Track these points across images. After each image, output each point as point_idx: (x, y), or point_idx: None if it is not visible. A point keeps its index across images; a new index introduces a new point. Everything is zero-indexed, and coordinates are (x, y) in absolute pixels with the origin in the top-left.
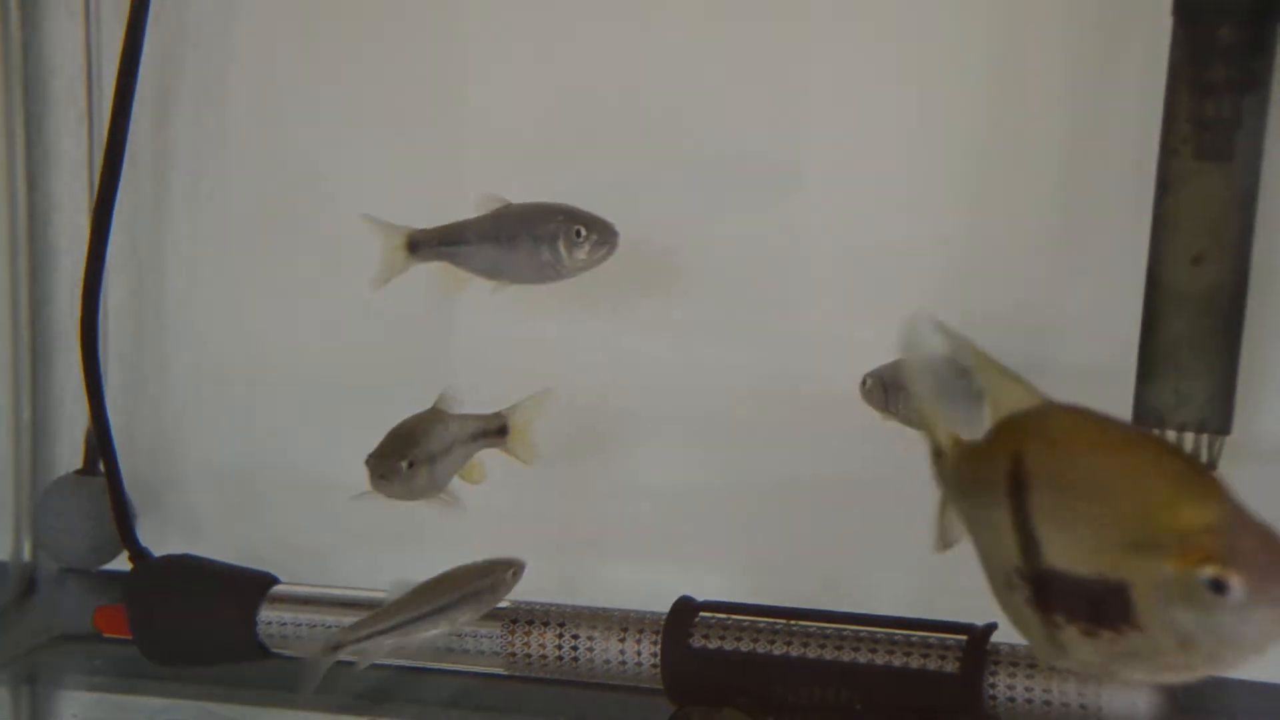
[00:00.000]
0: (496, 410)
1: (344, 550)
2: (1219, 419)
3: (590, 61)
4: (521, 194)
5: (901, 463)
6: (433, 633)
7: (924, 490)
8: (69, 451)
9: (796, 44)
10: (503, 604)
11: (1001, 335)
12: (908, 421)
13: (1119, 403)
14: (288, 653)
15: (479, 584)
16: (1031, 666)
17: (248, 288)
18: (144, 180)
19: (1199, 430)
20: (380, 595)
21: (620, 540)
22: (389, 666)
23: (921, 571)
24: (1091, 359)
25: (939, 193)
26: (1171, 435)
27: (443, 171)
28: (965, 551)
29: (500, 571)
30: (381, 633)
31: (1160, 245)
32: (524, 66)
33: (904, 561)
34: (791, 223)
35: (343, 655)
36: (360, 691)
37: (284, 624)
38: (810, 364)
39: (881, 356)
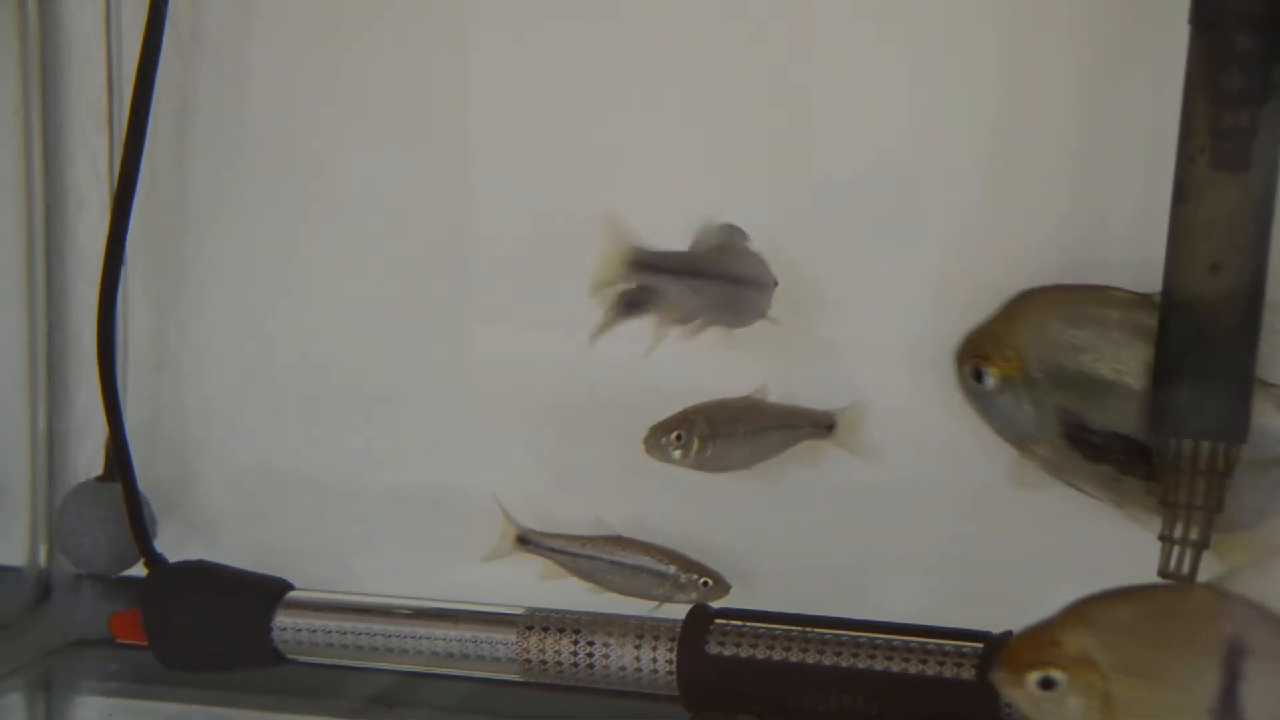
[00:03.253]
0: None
1: (361, 555)
2: (1235, 427)
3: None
4: None
5: None
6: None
7: None
8: (90, 458)
9: None
10: (518, 609)
11: None
12: None
13: None
14: (302, 659)
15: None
16: None
17: (266, 293)
18: (163, 184)
19: (1215, 439)
20: (391, 602)
21: None
22: (401, 672)
23: None
24: None
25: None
26: (1188, 444)
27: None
28: None
29: (694, 574)
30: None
31: (1177, 253)
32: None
33: None
34: None
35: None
36: (373, 696)
37: (299, 630)
38: None
39: None
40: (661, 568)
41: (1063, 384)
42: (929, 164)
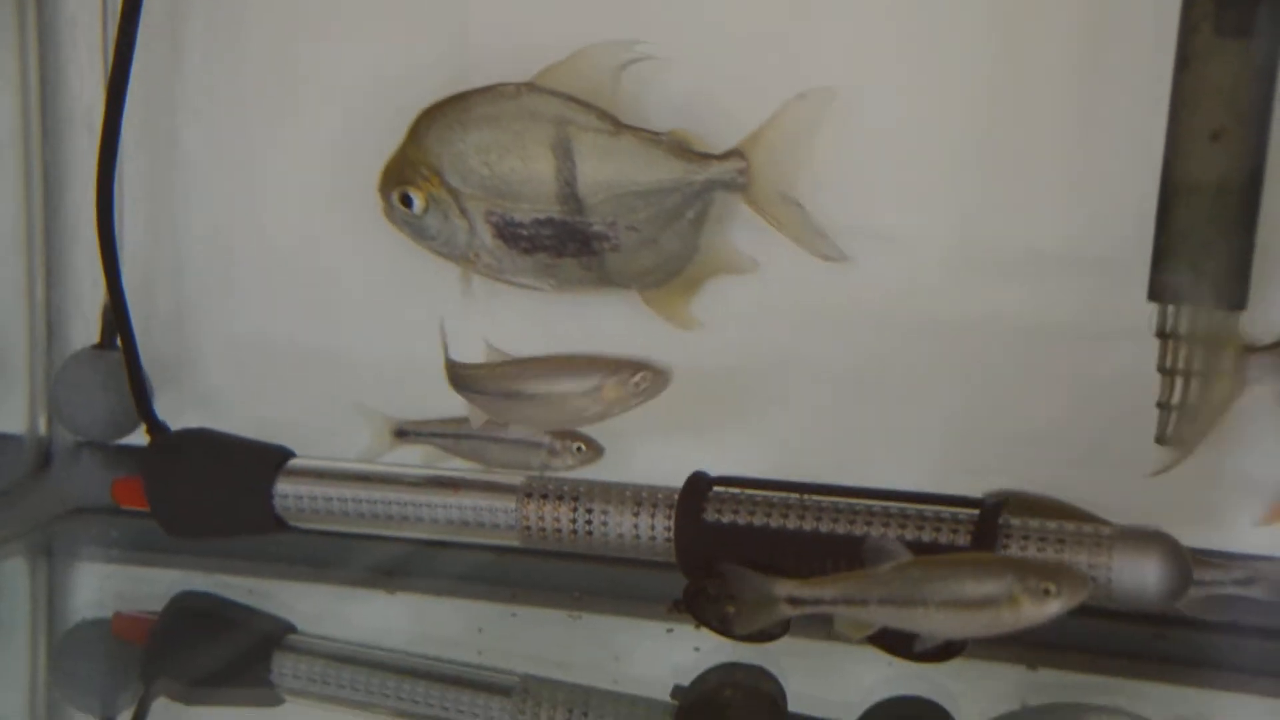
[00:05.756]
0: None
1: (360, 426)
2: (1235, 295)
3: None
4: None
5: None
6: None
7: None
8: (86, 326)
9: None
10: (517, 477)
11: None
12: None
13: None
14: (303, 525)
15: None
16: (1043, 540)
17: (265, 162)
18: (160, 57)
19: (1215, 306)
20: (392, 470)
21: None
22: (402, 540)
23: None
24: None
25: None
26: (1186, 311)
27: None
28: None
29: (567, 440)
30: None
31: (1179, 122)
32: None
33: None
34: None
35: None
36: (375, 565)
37: (300, 497)
38: None
39: None
40: (535, 438)
41: (481, 187)
42: None
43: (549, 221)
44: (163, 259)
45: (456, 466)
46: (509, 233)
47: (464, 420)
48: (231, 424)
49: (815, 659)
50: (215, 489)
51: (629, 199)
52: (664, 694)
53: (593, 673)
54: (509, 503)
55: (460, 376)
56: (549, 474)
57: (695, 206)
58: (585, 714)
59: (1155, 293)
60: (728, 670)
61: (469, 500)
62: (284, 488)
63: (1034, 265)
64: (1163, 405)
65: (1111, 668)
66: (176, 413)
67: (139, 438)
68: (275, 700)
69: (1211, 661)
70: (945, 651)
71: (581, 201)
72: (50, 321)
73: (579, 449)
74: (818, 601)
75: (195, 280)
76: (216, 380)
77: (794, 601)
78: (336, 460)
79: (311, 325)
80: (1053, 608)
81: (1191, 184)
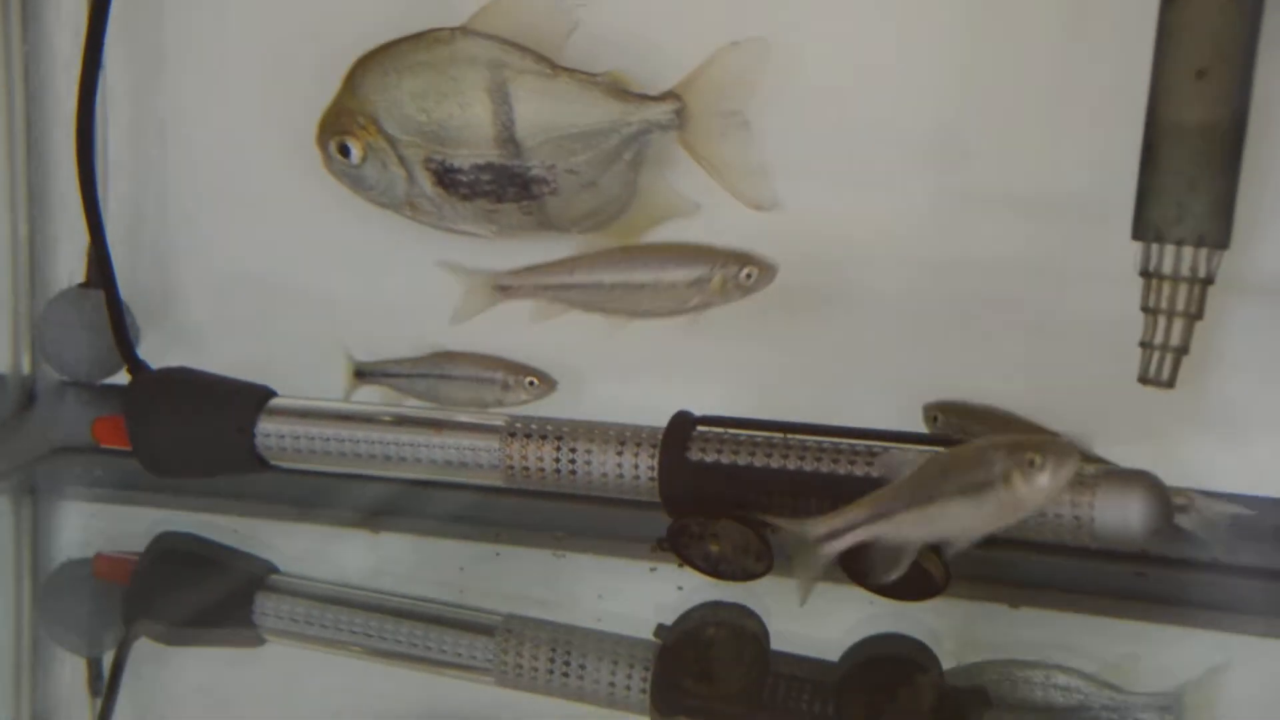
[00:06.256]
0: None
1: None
2: (1218, 233)
3: None
4: None
5: None
6: None
7: None
8: (72, 267)
9: None
10: (499, 418)
11: None
12: None
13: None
14: (285, 465)
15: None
16: None
17: (250, 98)
18: None
19: (1198, 245)
20: (375, 409)
21: None
22: (385, 481)
23: None
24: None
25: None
26: (1170, 250)
27: None
28: None
29: (520, 375)
30: None
31: (1164, 59)
32: None
33: None
34: None
35: None
36: (358, 506)
37: (282, 436)
38: None
39: None
40: (489, 374)
41: (419, 134)
42: None
43: (488, 167)
44: (147, 200)
45: (441, 407)
46: (448, 179)
47: (420, 360)
48: (215, 363)
49: (798, 598)
50: (197, 428)
51: (567, 142)
52: (647, 633)
53: (576, 612)
54: (492, 442)
55: (562, 264)
56: (505, 410)
57: (633, 148)
58: (568, 653)
59: (1139, 231)
60: (711, 609)
61: (452, 440)
62: (266, 427)
63: (1015, 205)
64: (1146, 344)
65: (1092, 606)
66: (160, 352)
67: (124, 377)
68: (257, 641)
69: (1191, 600)
70: (926, 589)
71: (520, 145)
72: (35, 261)
73: (531, 383)
74: (852, 528)
75: (179, 221)
76: (200, 319)
77: (832, 535)
78: (319, 400)
79: (293, 265)
80: (1041, 480)
81: (1176, 122)
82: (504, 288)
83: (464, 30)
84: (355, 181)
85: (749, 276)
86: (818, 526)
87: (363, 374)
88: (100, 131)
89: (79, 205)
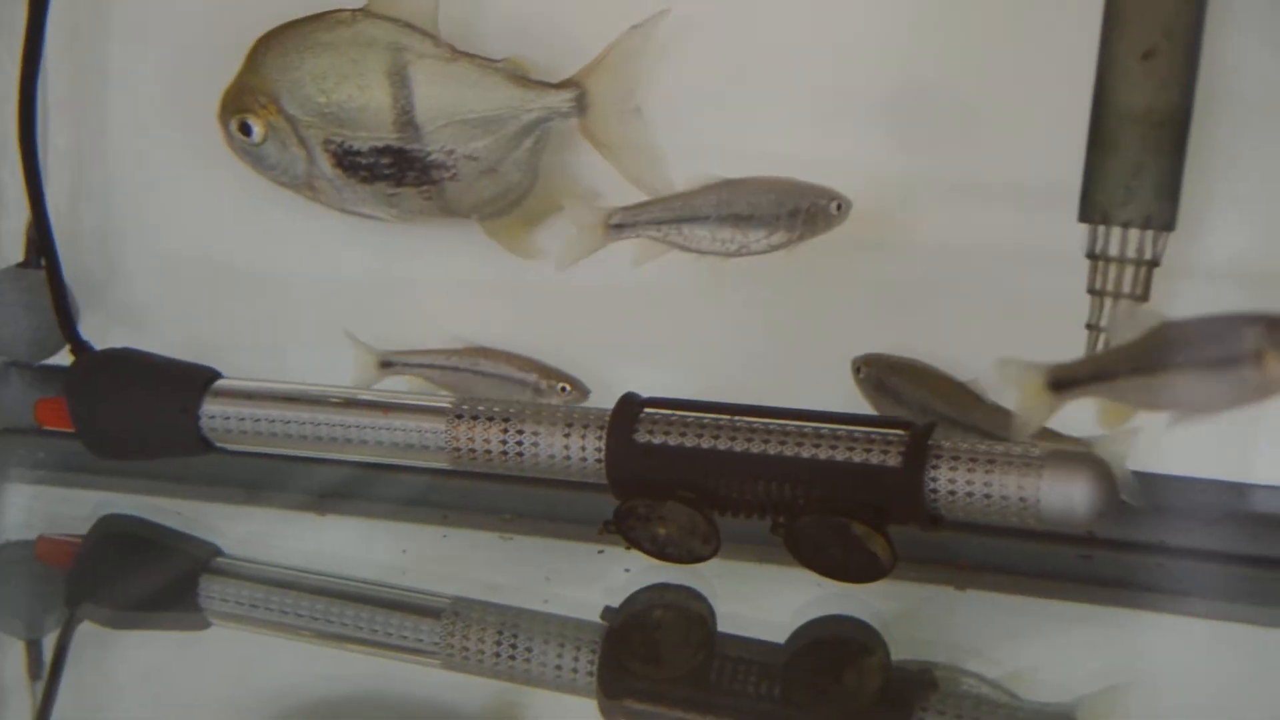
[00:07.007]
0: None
1: (287, 345)
2: (1164, 215)
3: None
4: None
5: None
6: None
7: None
8: (11, 244)
9: None
10: (447, 400)
11: None
12: None
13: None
14: (230, 447)
15: (533, 379)
16: (972, 461)
17: (191, 75)
18: None
19: (1144, 226)
20: (321, 391)
21: None
22: (335, 463)
23: None
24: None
25: None
26: (1116, 233)
27: None
28: None
29: (553, 380)
30: None
31: (1111, 41)
32: None
33: None
34: None
35: None
36: (305, 488)
37: (227, 417)
38: None
39: None
40: (522, 375)
41: (319, 115)
42: None
43: (387, 149)
44: (89, 177)
45: (389, 389)
46: (348, 161)
47: (453, 352)
48: (158, 344)
49: (745, 581)
50: (140, 410)
51: (466, 127)
52: (595, 615)
53: (523, 595)
54: (439, 424)
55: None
56: None
57: (533, 135)
58: (515, 636)
59: (1086, 214)
60: (658, 591)
61: (399, 422)
62: (211, 409)
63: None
64: (1092, 326)
65: (1037, 589)
66: (102, 333)
67: (66, 358)
68: (202, 624)
69: (1135, 582)
70: (872, 571)
71: (419, 129)
72: None
73: (564, 389)
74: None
75: (121, 198)
76: (143, 299)
77: (1062, 386)
78: (264, 381)
79: (237, 245)
80: None
81: (1122, 104)
82: (617, 226)
83: (365, 12)
84: (256, 160)
85: (839, 208)
86: (1056, 372)
87: (389, 364)
88: (41, 110)
89: (19, 184)
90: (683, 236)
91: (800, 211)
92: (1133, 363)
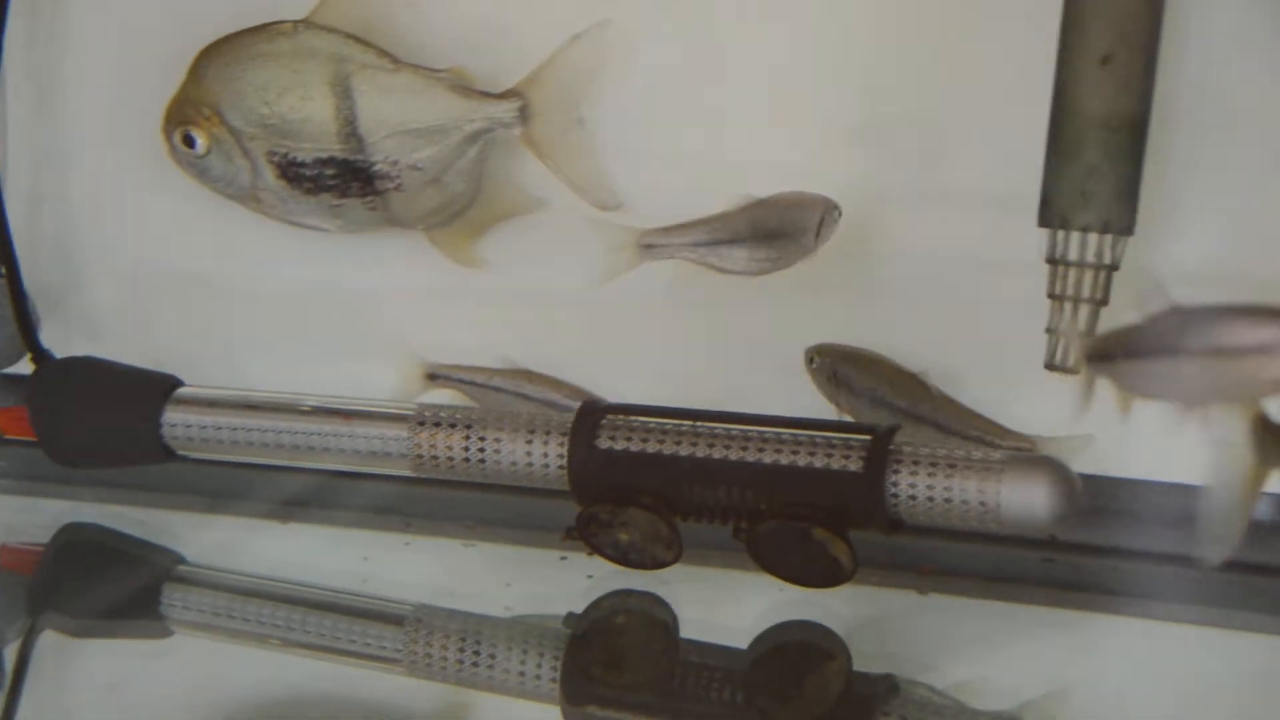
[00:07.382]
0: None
1: (247, 353)
2: (1123, 219)
3: None
4: None
5: None
6: None
7: None
8: None
9: None
10: (410, 407)
11: None
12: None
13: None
14: (192, 455)
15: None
16: (933, 466)
17: (149, 84)
18: None
19: (1102, 231)
20: (283, 398)
21: None
22: (298, 471)
23: None
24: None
25: None
26: (1075, 237)
27: None
28: None
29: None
30: None
31: (1069, 45)
32: None
33: None
34: None
35: None
36: (268, 496)
37: (189, 425)
38: None
39: None
40: (566, 401)
41: (262, 127)
42: None
43: (331, 161)
44: (49, 187)
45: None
46: (292, 173)
47: (498, 372)
48: (119, 353)
49: (708, 586)
50: (102, 418)
51: (410, 137)
52: (557, 622)
53: (486, 601)
54: (401, 431)
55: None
56: None
57: (477, 146)
58: (478, 643)
59: (1045, 218)
60: (620, 597)
61: (361, 429)
62: (172, 416)
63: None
64: (1051, 331)
65: (1000, 593)
66: (63, 342)
67: (26, 367)
68: (164, 633)
69: (1098, 586)
70: (834, 576)
71: (363, 140)
72: None
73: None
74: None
75: (82, 207)
76: (104, 308)
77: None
78: (226, 389)
79: (197, 254)
80: None
81: (1080, 108)
82: (649, 246)
83: (307, 23)
84: (200, 172)
85: (839, 216)
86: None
87: (435, 376)
88: (2, 114)
89: None
90: (719, 258)
91: (820, 223)
92: (1130, 346)
